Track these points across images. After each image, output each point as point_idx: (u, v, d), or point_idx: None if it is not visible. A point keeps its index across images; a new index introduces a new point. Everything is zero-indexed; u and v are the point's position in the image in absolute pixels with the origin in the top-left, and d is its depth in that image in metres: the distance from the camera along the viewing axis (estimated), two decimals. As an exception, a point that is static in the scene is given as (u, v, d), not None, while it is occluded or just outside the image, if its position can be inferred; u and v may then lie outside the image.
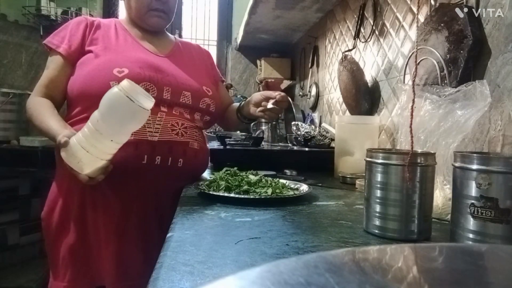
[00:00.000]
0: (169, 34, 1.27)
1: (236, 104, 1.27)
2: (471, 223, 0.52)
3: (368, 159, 0.64)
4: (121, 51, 1.07)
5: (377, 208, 0.62)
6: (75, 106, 1.03)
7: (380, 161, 0.62)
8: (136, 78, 0.96)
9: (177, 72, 1.09)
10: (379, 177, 0.62)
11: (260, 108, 1.11)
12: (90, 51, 1.05)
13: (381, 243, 0.59)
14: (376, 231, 0.62)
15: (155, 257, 0.50)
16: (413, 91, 0.65)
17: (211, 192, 0.85)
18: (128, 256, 0.99)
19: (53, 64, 1.05)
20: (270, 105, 1.08)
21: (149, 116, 0.94)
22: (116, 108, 0.78)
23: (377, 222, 0.62)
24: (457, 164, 0.55)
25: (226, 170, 0.99)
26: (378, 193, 0.62)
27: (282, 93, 1.11)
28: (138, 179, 0.98)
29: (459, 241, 0.54)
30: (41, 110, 0.99)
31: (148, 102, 0.80)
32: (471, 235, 0.52)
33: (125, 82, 0.78)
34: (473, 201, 0.52)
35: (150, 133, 0.98)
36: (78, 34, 1.07)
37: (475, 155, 0.53)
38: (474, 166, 0.52)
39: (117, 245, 0.98)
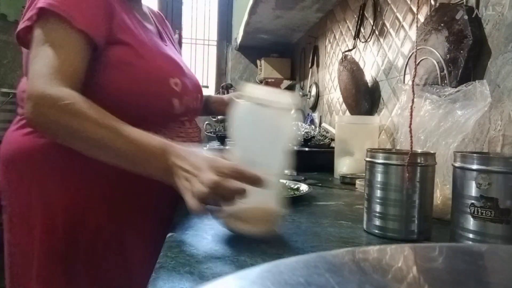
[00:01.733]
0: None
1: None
2: (471, 223, 0.52)
3: (368, 159, 0.65)
4: (155, 49, 0.84)
5: (377, 208, 0.62)
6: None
7: (380, 161, 0.62)
8: (187, 90, 0.85)
9: (188, 71, 0.94)
10: (379, 177, 0.62)
11: None
12: (126, 44, 0.77)
13: (381, 243, 0.59)
14: (376, 231, 0.62)
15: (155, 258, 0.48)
16: (413, 91, 0.65)
17: None
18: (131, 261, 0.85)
19: (72, 46, 0.69)
20: None
21: (181, 128, 0.87)
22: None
23: (377, 222, 0.62)
24: (457, 164, 0.55)
25: None
26: (378, 193, 0.62)
27: None
28: (153, 193, 0.82)
29: (459, 241, 0.54)
30: (115, 122, 0.63)
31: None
32: (471, 235, 0.52)
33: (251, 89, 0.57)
34: (473, 201, 0.52)
35: (193, 144, 0.83)
36: (102, 11, 0.74)
37: (475, 155, 0.53)
38: (474, 166, 0.52)
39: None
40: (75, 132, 0.63)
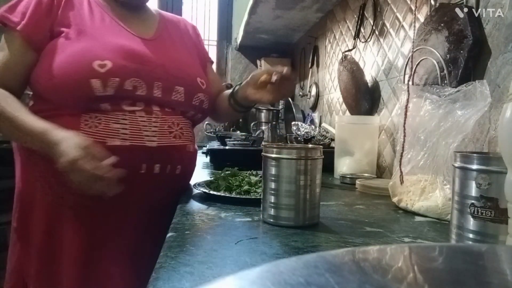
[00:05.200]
0: (150, 8, 1.05)
1: (229, 91, 1.07)
2: (471, 223, 0.52)
3: (263, 153, 0.69)
4: (99, 36, 0.87)
5: (272, 199, 0.68)
6: (42, 102, 0.86)
7: (273, 155, 0.67)
8: (121, 73, 0.83)
9: (167, 61, 0.92)
10: (272, 170, 0.67)
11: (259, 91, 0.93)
12: (60, 34, 0.85)
13: (380, 243, 0.59)
14: (271, 220, 0.67)
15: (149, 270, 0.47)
16: (408, 91, 0.65)
17: (211, 192, 0.85)
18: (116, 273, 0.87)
19: (10, 47, 0.84)
20: (274, 77, 0.88)
21: (144, 117, 0.85)
22: None
23: (271, 212, 0.67)
24: (457, 164, 0.55)
25: (226, 170, 0.99)
26: (272, 185, 0.67)
27: (287, 68, 0.91)
28: (133, 191, 0.84)
29: (459, 241, 0.54)
30: (9, 103, 0.80)
31: None
32: (471, 235, 0.52)
33: None
34: (473, 201, 0.52)
35: (147, 137, 0.84)
36: (43, 10, 0.85)
37: (475, 155, 0.53)
38: (474, 166, 0.52)
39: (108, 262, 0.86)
40: None
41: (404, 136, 0.63)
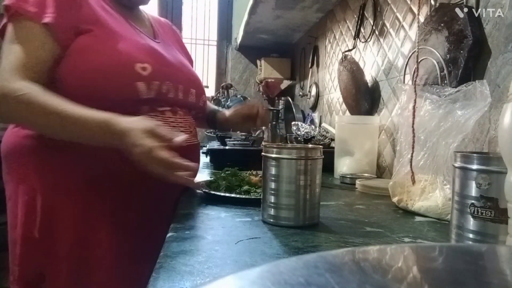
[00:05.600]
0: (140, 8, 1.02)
1: (210, 106, 1.17)
2: (471, 223, 0.52)
3: (263, 153, 0.69)
4: (128, 37, 0.85)
5: (272, 199, 0.67)
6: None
7: (273, 155, 0.67)
8: (159, 76, 0.83)
9: (180, 64, 0.95)
10: (272, 170, 0.67)
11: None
12: (88, 32, 0.80)
13: (380, 243, 0.59)
14: (271, 220, 0.67)
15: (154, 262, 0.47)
16: (414, 91, 0.65)
17: (212, 192, 0.85)
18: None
19: (35, 38, 0.76)
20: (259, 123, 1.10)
21: (172, 118, 0.87)
22: None
23: (271, 212, 0.67)
24: (457, 164, 0.55)
25: (227, 170, 0.99)
26: (272, 185, 0.67)
27: (263, 107, 1.09)
28: (164, 190, 0.82)
29: (459, 241, 0.54)
30: (52, 98, 0.71)
31: None
32: (471, 235, 0.52)
33: None
34: (473, 201, 0.52)
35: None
36: (66, 5, 0.79)
37: (475, 155, 0.53)
38: (474, 166, 0.52)
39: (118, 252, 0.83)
40: (28, 119, 0.74)
41: (414, 136, 0.62)
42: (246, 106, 1.14)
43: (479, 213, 0.51)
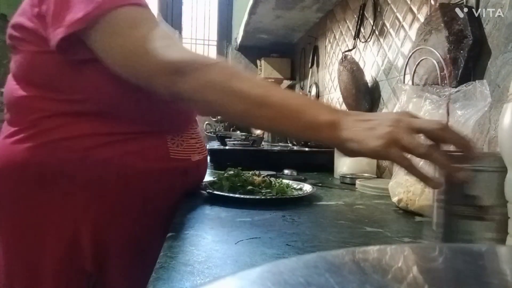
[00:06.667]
0: None
1: None
2: (452, 221, 0.52)
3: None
4: None
5: None
6: (114, 121, 0.72)
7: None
8: None
9: None
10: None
11: None
12: None
13: (380, 243, 0.59)
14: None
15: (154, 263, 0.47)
16: (447, 111, 0.64)
17: (215, 192, 0.84)
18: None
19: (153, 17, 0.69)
20: None
21: (197, 129, 0.85)
22: None
23: None
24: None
25: (229, 171, 0.99)
26: None
27: None
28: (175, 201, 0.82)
29: (446, 241, 0.54)
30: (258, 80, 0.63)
31: None
32: (453, 234, 0.52)
33: None
34: (455, 199, 0.51)
35: (202, 147, 0.86)
36: None
37: (454, 153, 0.52)
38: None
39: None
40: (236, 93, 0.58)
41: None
42: None
43: (463, 212, 0.51)
